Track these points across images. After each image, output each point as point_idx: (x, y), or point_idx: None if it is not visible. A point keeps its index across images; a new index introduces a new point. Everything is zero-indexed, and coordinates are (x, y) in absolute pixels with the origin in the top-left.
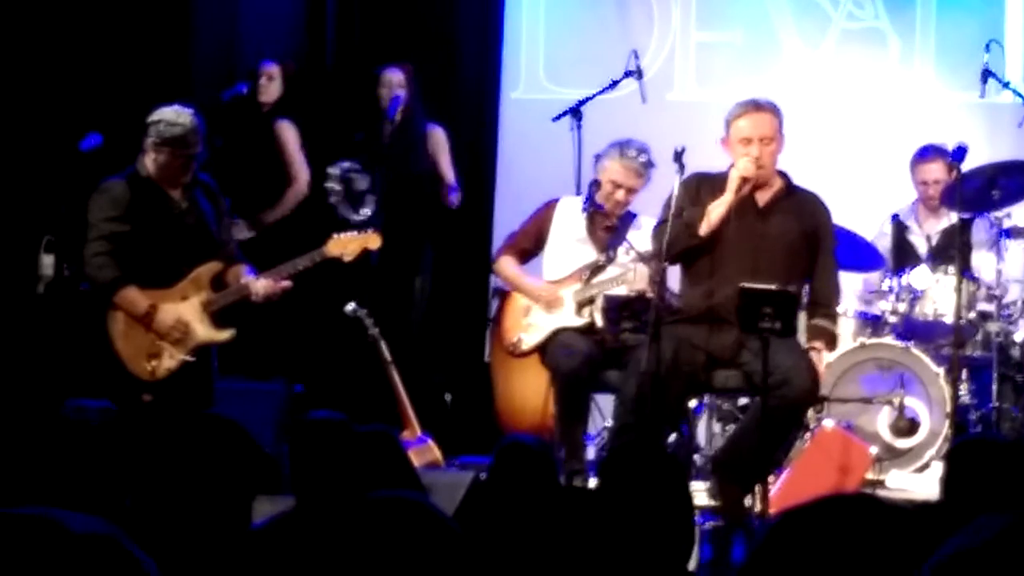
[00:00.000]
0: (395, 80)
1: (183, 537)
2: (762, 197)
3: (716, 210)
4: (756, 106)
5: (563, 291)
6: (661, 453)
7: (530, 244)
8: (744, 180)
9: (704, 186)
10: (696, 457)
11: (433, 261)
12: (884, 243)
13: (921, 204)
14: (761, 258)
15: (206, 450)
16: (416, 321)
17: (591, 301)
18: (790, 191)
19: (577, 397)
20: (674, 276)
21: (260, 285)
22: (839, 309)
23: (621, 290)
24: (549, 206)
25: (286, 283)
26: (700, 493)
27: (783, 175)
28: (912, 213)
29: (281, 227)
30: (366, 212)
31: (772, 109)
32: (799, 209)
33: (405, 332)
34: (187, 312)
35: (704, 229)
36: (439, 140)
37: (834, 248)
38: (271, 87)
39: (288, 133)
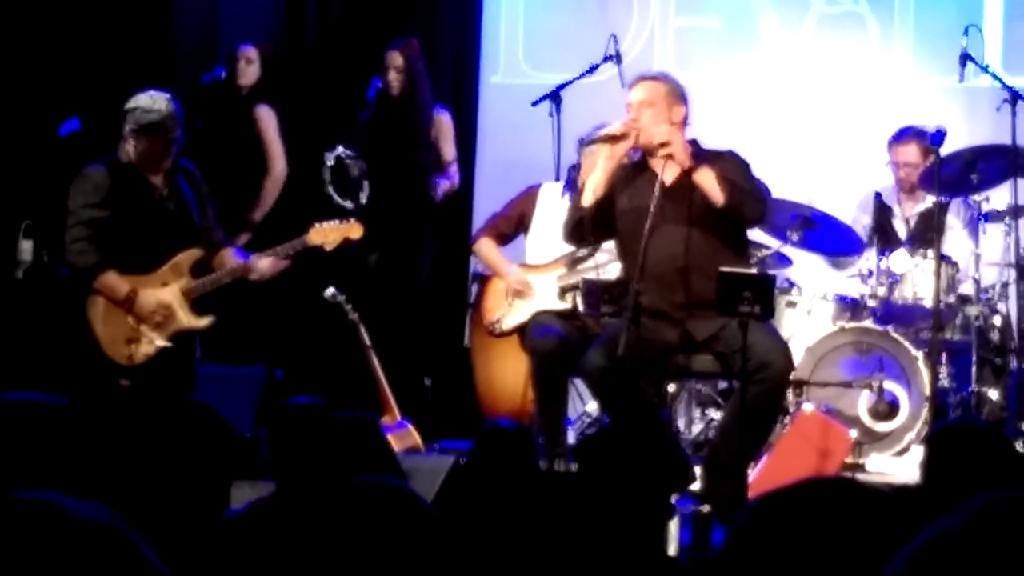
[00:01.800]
0: (394, 63)
1: (160, 523)
2: (669, 176)
3: (592, 178)
4: (639, 76)
5: (547, 275)
6: (635, 437)
7: (510, 228)
8: (612, 138)
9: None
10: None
11: (435, 248)
12: (864, 220)
13: (897, 187)
14: (690, 242)
15: (180, 435)
16: (416, 301)
17: (575, 287)
18: (697, 159)
19: (553, 378)
20: None
21: (262, 265)
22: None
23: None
24: (531, 191)
25: (285, 263)
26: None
27: (692, 144)
28: (892, 196)
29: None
30: (362, 199)
31: (656, 78)
32: (715, 171)
33: (395, 316)
34: (167, 297)
35: (585, 200)
36: (441, 126)
37: (747, 177)
38: (249, 70)
39: (267, 118)
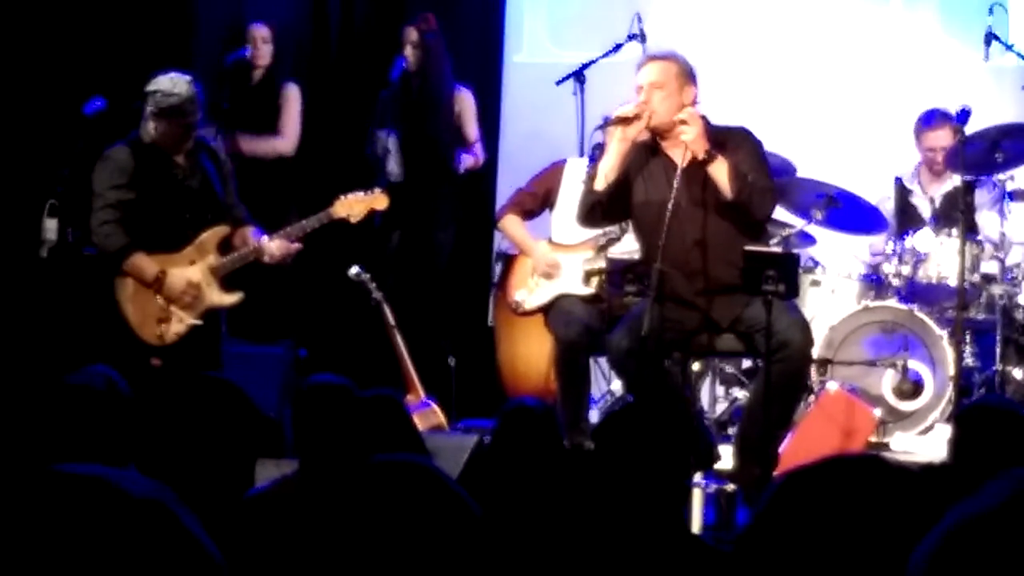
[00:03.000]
0: (409, 39)
1: (185, 500)
2: (685, 161)
3: (605, 161)
4: (649, 57)
5: (573, 256)
6: (659, 414)
7: (536, 205)
8: (623, 121)
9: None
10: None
11: (457, 224)
12: (888, 206)
13: (924, 167)
14: (708, 228)
15: (207, 413)
16: (438, 280)
17: (601, 272)
18: (711, 139)
19: (575, 366)
20: None
21: (273, 247)
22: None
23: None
24: (557, 167)
25: (297, 245)
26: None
27: (702, 120)
28: (915, 176)
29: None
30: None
31: (665, 58)
32: (726, 154)
33: (417, 295)
34: (196, 276)
35: (598, 184)
36: (464, 102)
37: (760, 164)
38: (265, 49)
39: (293, 97)
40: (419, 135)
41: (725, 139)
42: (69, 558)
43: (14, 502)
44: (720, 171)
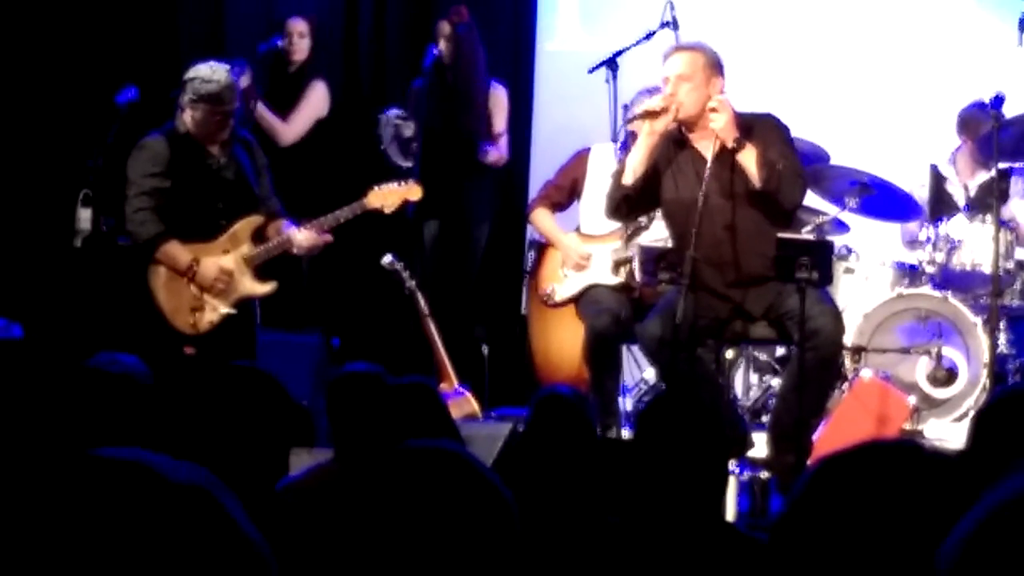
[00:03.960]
0: (442, 32)
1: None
2: (711, 150)
3: (633, 155)
4: (675, 48)
5: (602, 246)
6: (692, 403)
7: (563, 197)
8: (650, 114)
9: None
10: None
11: (493, 217)
12: (922, 193)
13: (961, 153)
14: (737, 219)
15: (240, 402)
16: (473, 272)
17: (628, 261)
18: (739, 127)
19: (605, 356)
20: None
21: (302, 238)
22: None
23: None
24: (581, 156)
25: (327, 236)
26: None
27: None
28: (951, 163)
29: (328, 175)
30: (411, 160)
31: (693, 49)
32: (753, 142)
33: (453, 285)
34: (229, 265)
35: (627, 178)
36: (496, 99)
37: (789, 152)
38: (302, 44)
39: (318, 95)
40: (450, 128)
41: (752, 126)
42: (106, 544)
43: (52, 487)
44: (749, 159)
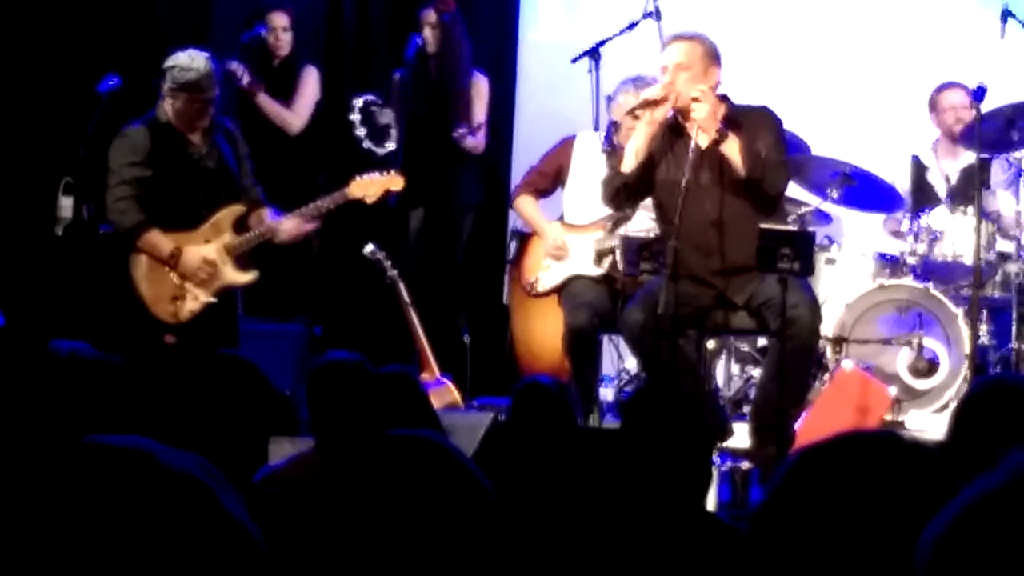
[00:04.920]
0: (427, 20)
1: None
2: (703, 140)
3: (631, 144)
4: (674, 37)
5: (585, 236)
6: (680, 393)
7: (547, 184)
8: (650, 103)
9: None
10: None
11: (477, 206)
12: (904, 184)
13: (941, 142)
14: (724, 207)
15: (220, 390)
16: (456, 260)
17: (612, 252)
18: (732, 118)
19: (583, 350)
20: None
21: (286, 226)
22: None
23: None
24: (566, 143)
25: (311, 224)
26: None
27: (724, 100)
28: (933, 150)
29: (305, 162)
30: (389, 146)
31: (692, 39)
32: (747, 133)
33: (436, 274)
34: (211, 254)
35: (625, 166)
36: (477, 89)
37: (776, 142)
38: (286, 37)
39: (311, 79)
40: (434, 118)
41: (746, 116)
42: (100, 531)
43: (47, 474)
44: (732, 150)
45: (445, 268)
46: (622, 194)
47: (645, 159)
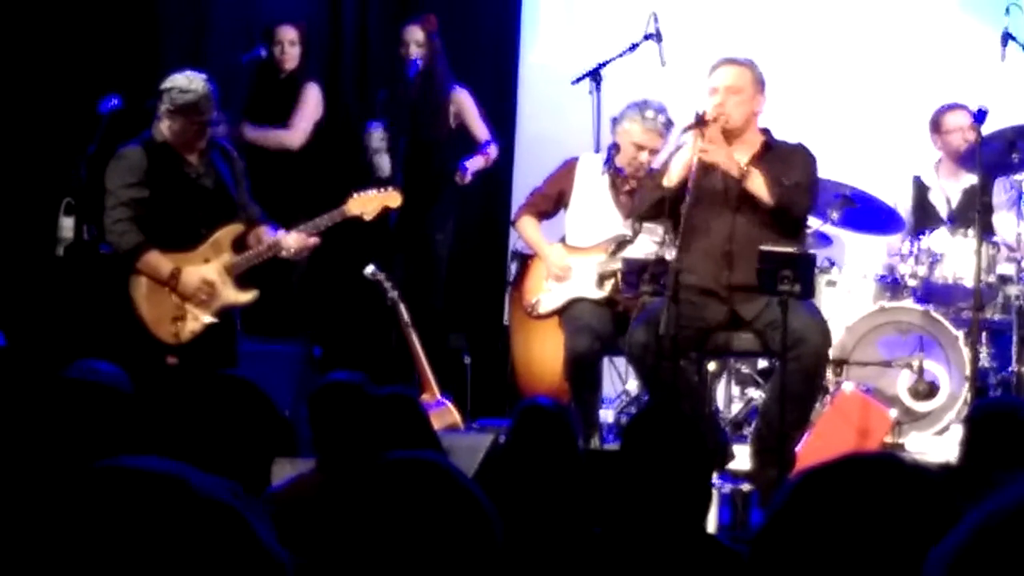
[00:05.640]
0: (414, 37)
1: None
2: (740, 159)
3: (678, 159)
4: (726, 60)
5: (587, 259)
6: (681, 416)
7: (549, 206)
8: (702, 123)
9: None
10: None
11: (455, 223)
12: (905, 204)
13: (944, 163)
14: (737, 223)
15: (224, 411)
16: (439, 279)
17: (614, 274)
18: (769, 148)
19: (583, 375)
20: None
21: (291, 240)
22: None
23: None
24: (569, 166)
25: (315, 239)
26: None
27: (765, 133)
28: (934, 172)
29: (306, 184)
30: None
31: (744, 64)
32: (779, 166)
33: (426, 293)
34: (211, 274)
35: (668, 180)
36: (462, 102)
37: (805, 177)
38: (293, 52)
39: (313, 97)
40: (423, 137)
41: (780, 150)
42: (128, 555)
43: (77, 496)
44: (757, 185)
45: (427, 288)
46: (662, 206)
47: (685, 177)
